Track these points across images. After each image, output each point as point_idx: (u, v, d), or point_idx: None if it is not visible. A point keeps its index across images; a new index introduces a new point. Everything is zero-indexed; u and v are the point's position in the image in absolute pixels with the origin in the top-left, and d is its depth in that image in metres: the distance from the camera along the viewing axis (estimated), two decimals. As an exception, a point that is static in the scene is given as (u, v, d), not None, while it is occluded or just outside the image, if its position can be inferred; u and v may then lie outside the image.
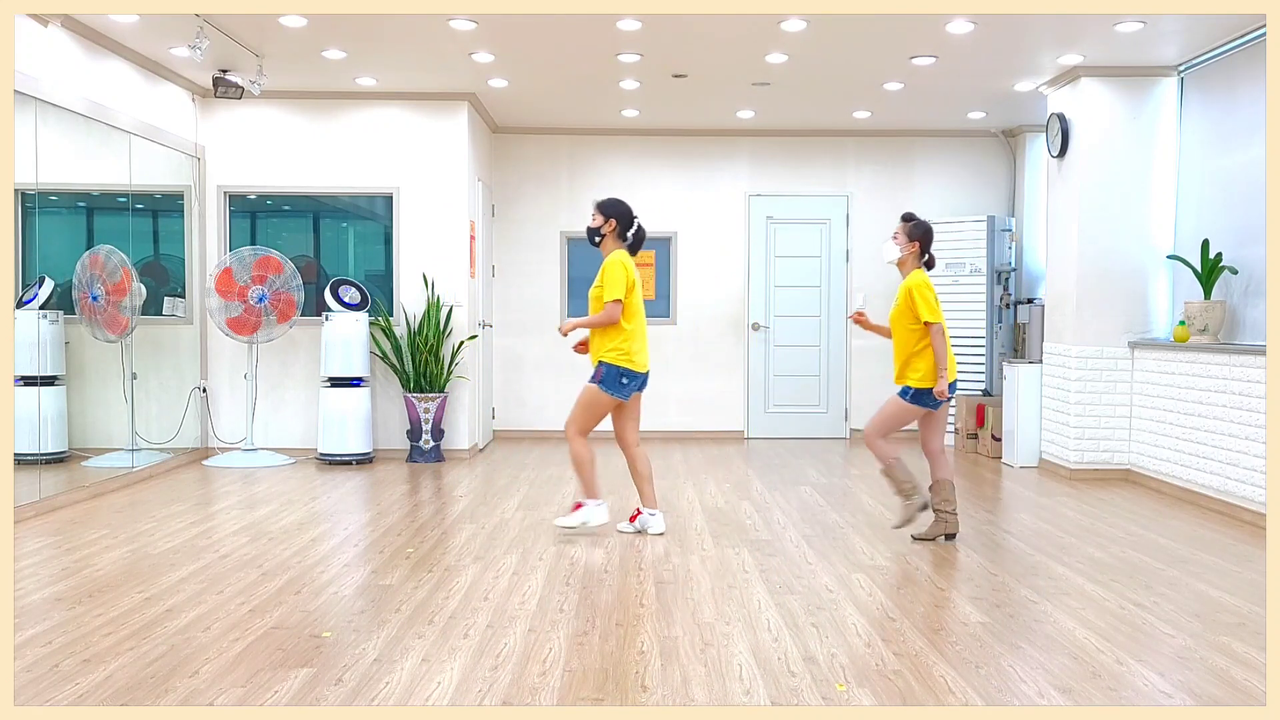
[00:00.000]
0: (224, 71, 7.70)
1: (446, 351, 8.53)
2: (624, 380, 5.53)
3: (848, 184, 10.11)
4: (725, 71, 7.69)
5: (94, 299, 7.21)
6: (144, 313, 7.65)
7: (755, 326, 10.13)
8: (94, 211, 7.87)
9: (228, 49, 7.11)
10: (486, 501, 6.70)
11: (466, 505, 6.57)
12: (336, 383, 8.19)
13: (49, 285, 7.00)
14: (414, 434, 8.41)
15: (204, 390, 8.54)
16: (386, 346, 8.53)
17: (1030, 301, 9.14)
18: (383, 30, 6.71)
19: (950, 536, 5.56)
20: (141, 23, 6.58)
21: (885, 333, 5.74)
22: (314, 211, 8.96)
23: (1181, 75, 7.47)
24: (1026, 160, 9.73)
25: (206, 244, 8.54)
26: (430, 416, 8.38)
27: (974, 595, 4.52)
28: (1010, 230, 9.56)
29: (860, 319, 5.70)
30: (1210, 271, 6.81)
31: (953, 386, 5.47)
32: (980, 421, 9.03)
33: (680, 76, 7.85)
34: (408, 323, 8.58)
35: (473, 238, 8.87)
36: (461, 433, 8.72)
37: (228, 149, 8.56)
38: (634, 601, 4.40)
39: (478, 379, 9.04)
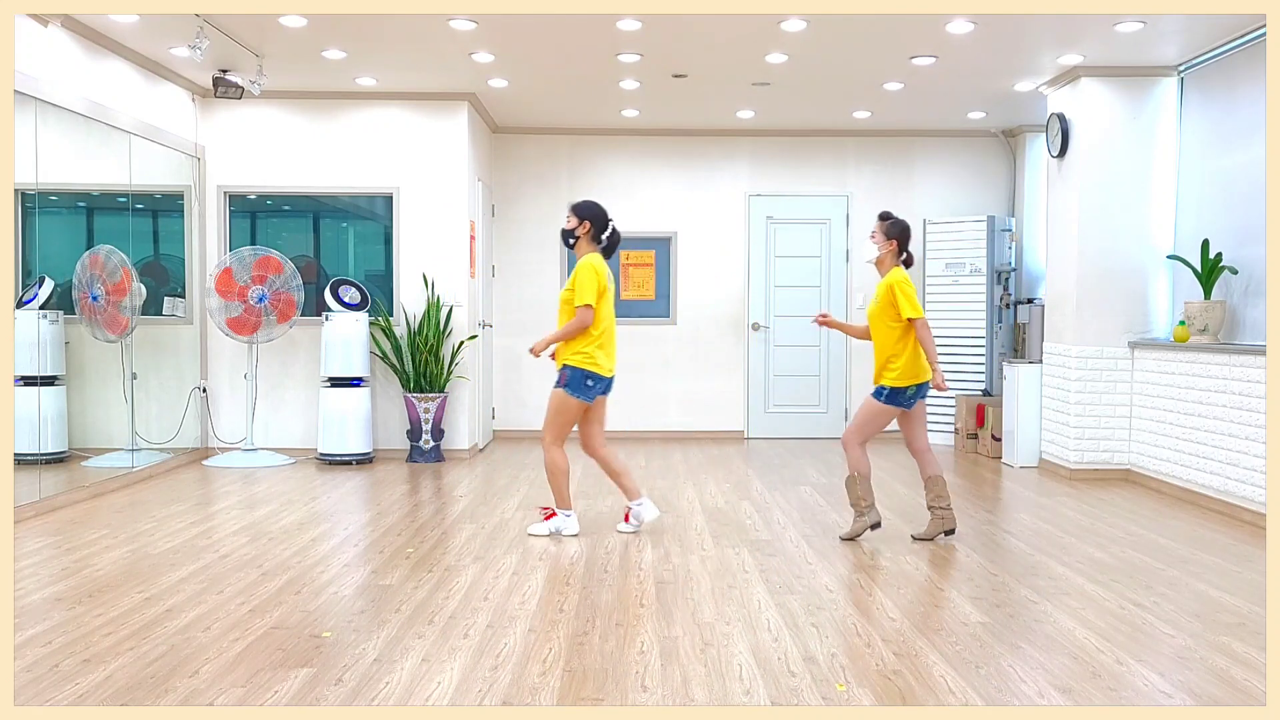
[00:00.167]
0: (224, 71, 7.71)
1: (446, 351, 8.53)
2: (589, 383, 5.52)
3: (848, 184, 10.11)
4: (725, 71, 7.69)
5: (94, 299, 7.21)
6: (144, 313, 7.65)
7: (755, 326, 10.13)
8: (94, 211, 7.87)
9: (228, 49, 7.11)
10: (486, 501, 6.70)
11: (466, 505, 6.57)
12: (336, 383, 8.19)
13: (49, 285, 7.00)
14: (414, 434, 8.41)
15: (204, 390, 8.54)
16: (386, 346, 8.53)
17: (1030, 301, 9.14)
18: (383, 30, 6.71)
19: (949, 532, 5.57)
20: (141, 23, 6.58)
21: (855, 332, 5.79)
22: (314, 211, 8.96)
23: (1181, 75, 7.47)
24: (1026, 160, 9.73)
25: (206, 244, 8.54)
26: (430, 416, 8.38)
27: (974, 595, 4.52)
28: (1010, 230, 9.56)
29: (826, 320, 5.73)
30: (1210, 271, 6.81)
31: (924, 388, 5.48)
32: (980, 421, 9.03)
33: (680, 76, 7.85)
34: (408, 323, 8.58)
35: (473, 238, 8.87)
36: (461, 433, 8.72)
37: (228, 149, 8.56)
38: (634, 601, 4.41)
39: (478, 379, 9.04)
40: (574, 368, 5.50)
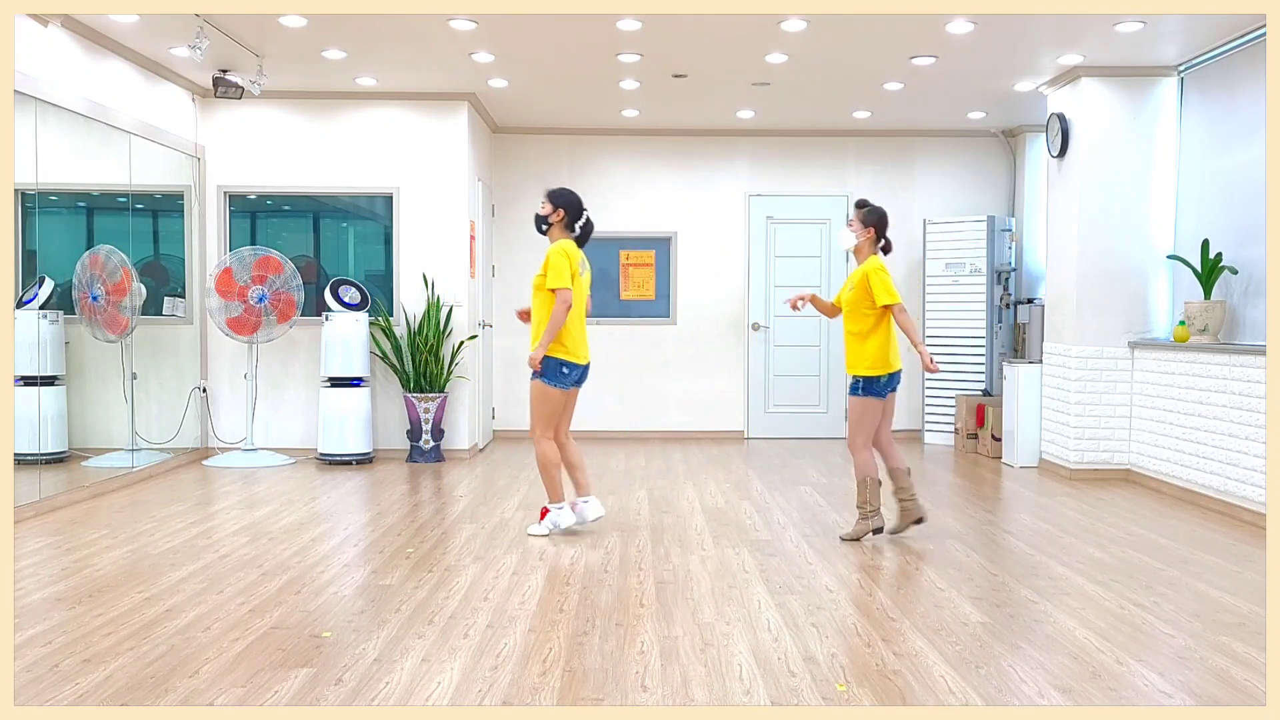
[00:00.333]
0: (224, 71, 7.70)
1: (446, 351, 8.53)
2: (564, 370, 5.54)
3: (848, 184, 10.11)
4: (725, 71, 7.69)
5: (94, 299, 7.21)
6: (144, 313, 7.65)
7: (755, 326, 10.13)
8: (94, 211, 7.87)
9: (228, 49, 7.11)
10: (486, 501, 6.70)
11: (466, 505, 6.57)
12: (336, 383, 8.19)
13: (49, 285, 7.00)
14: (414, 434, 8.41)
15: (204, 390, 8.54)
16: (386, 346, 8.53)
17: (1030, 301, 9.14)
18: (383, 30, 6.71)
19: (919, 521, 5.59)
20: (141, 23, 6.58)
21: (825, 308, 5.81)
22: (314, 211, 8.96)
23: (1181, 75, 7.47)
24: (1026, 160, 9.73)
25: (206, 244, 8.54)
26: (430, 416, 8.38)
27: (974, 595, 4.52)
28: (1010, 230, 9.55)
29: (814, 300, 5.76)
30: (1210, 271, 6.81)
31: (895, 377, 5.49)
32: (980, 421, 9.03)
33: (680, 76, 7.85)
34: (408, 323, 8.58)
35: (473, 238, 8.87)
36: (461, 433, 8.72)
37: (228, 149, 8.56)
38: (634, 601, 4.41)
39: (478, 379, 9.04)
40: (548, 356, 5.52)
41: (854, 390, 5.52)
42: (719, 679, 3.48)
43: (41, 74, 6.21)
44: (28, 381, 6.68)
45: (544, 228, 5.66)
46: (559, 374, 5.55)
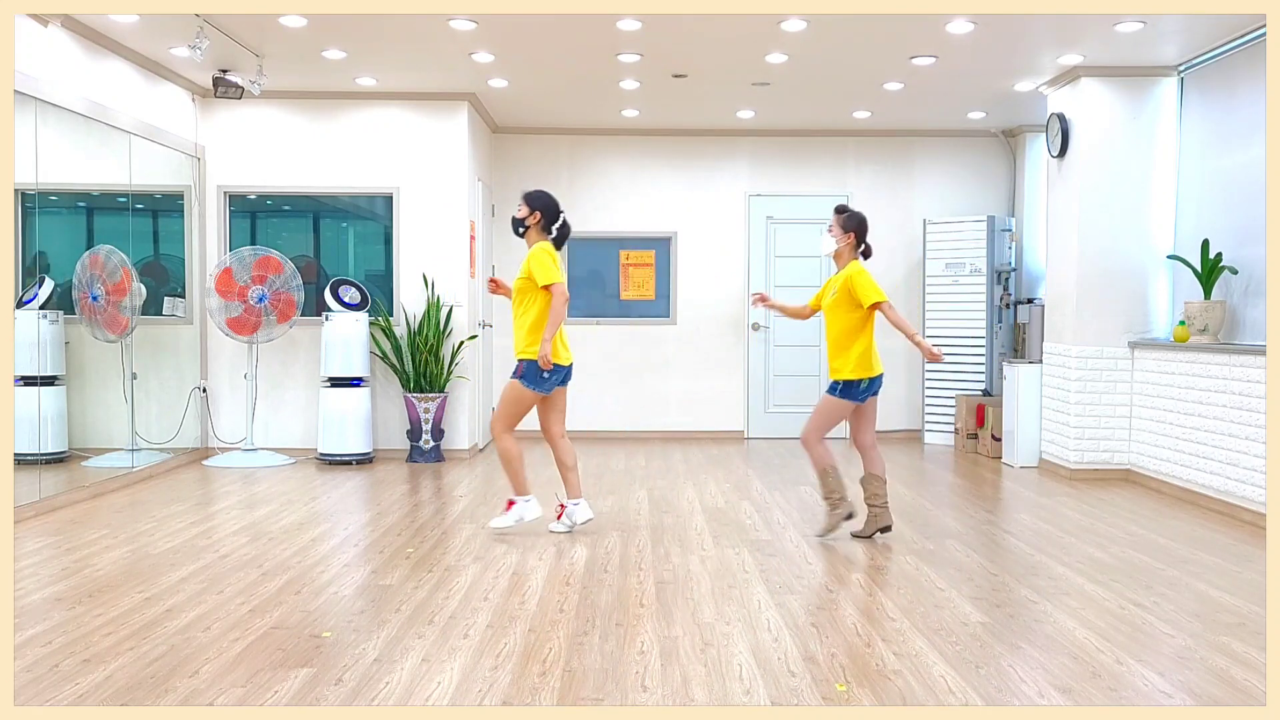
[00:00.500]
0: (224, 71, 7.70)
1: (446, 351, 8.53)
2: (545, 374, 5.53)
3: (848, 184, 10.10)
4: (725, 71, 7.69)
5: (94, 299, 7.21)
6: (144, 313, 7.65)
7: (755, 326, 10.13)
8: (94, 211, 7.87)
9: (228, 49, 7.11)
10: (486, 501, 6.70)
11: (466, 505, 6.57)
12: (336, 383, 8.19)
13: (49, 285, 7.00)
14: (414, 434, 8.41)
15: (204, 390, 8.54)
16: (386, 346, 8.53)
17: (1030, 301, 9.14)
18: (383, 30, 6.71)
19: (885, 529, 5.59)
20: (141, 23, 6.58)
21: (790, 311, 5.84)
22: (314, 211, 8.96)
23: (1181, 75, 7.47)
24: (1026, 160, 9.73)
25: (206, 244, 8.54)
26: (430, 416, 8.38)
27: (974, 595, 4.52)
28: (1010, 230, 9.55)
29: (764, 300, 5.78)
30: (1210, 271, 6.81)
31: (876, 382, 5.49)
32: (980, 421, 9.03)
33: (680, 76, 7.85)
34: (408, 323, 8.58)
35: (473, 238, 8.87)
36: (461, 433, 8.72)
37: (228, 149, 8.56)
38: (634, 601, 4.41)
39: (478, 379, 9.04)
40: (531, 360, 5.51)
41: (832, 390, 5.54)
42: (719, 679, 3.48)
43: (41, 74, 6.21)
44: (28, 381, 6.69)
45: (521, 231, 5.65)
46: (539, 378, 5.53)
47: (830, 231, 5.59)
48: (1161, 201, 7.57)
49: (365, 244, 9.03)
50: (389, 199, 8.67)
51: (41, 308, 6.85)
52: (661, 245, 10.13)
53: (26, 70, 6.04)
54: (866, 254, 5.59)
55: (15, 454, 6.33)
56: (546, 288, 5.45)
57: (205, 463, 8.17)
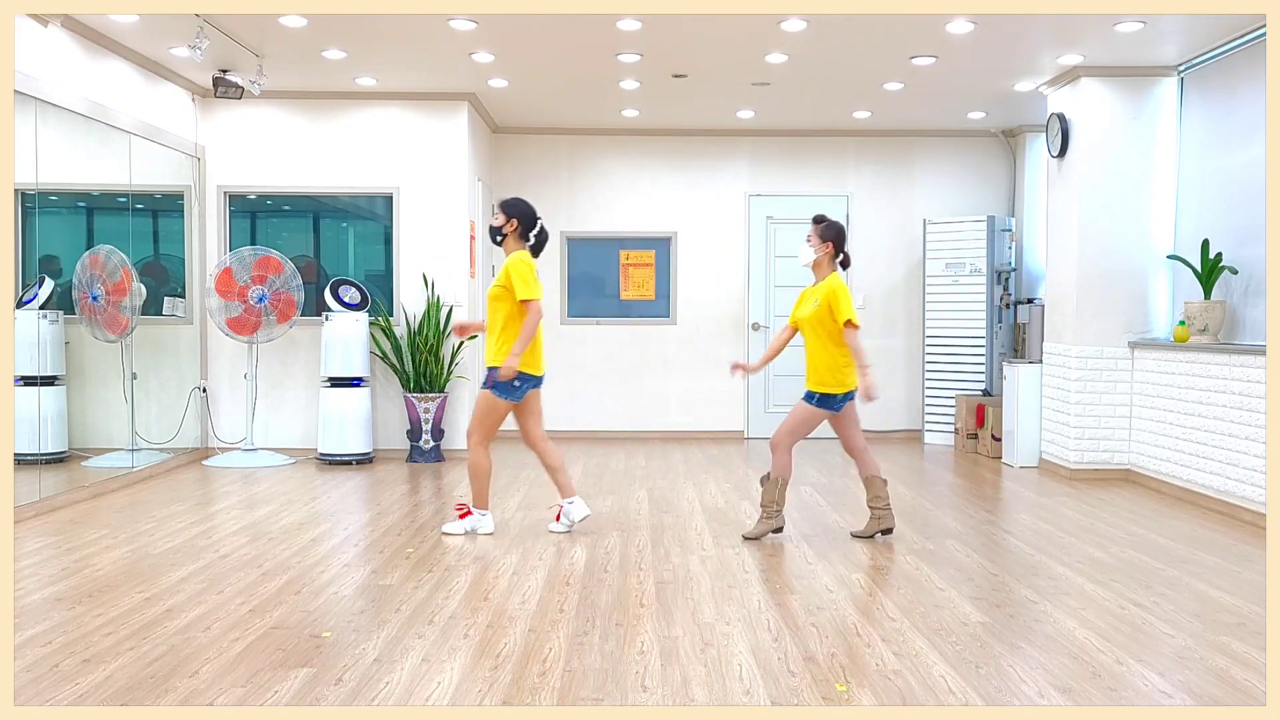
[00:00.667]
0: (224, 71, 7.70)
1: (446, 351, 8.54)
2: (516, 383, 5.50)
3: (848, 184, 10.11)
4: (725, 71, 7.69)
5: (94, 299, 7.21)
6: (144, 313, 7.65)
7: (755, 326, 10.13)
8: (94, 211, 7.87)
9: (228, 49, 7.11)
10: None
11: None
12: (336, 383, 8.19)
13: (49, 285, 7.00)
14: (414, 434, 8.41)
15: (204, 390, 8.54)
16: (386, 346, 8.53)
17: (1030, 301, 9.14)
18: (383, 30, 6.71)
19: (887, 531, 5.61)
20: (141, 23, 6.58)
21: (775, 350, 5.85)
22: (314, 211, 8.96)
23: (1181, 75, 7.47)
24: (1026, 160, 9.73)
25: (206, 244, 8.54)
26: (430, 416, 8.38)
27: (974, 595, 4.52)
28: (1010, 230, 9.55)
29: (743, 369, 5.82)
30: (1210, 271, 6.81)
31: (852, 394, 5.50)
32: (980, 421, 9.03)
33: (680, 76, 7.85)
34: (408, 323, 8.58)
35: (473, 238, 8.87)
36: (461, 433, 8.70)
37: (228, 149, 8.56)
38: (634, 601, 4.40)
39: (478, 379, 9.03)
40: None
41: (808, 399, 5.56)
42: (719, 679, 3.48)
43: (41, 74, 6.21)
44: (28, 381, 6.69)
45: (498, 239, 5.63)
46: (510, 387, 5.50)
47: (809, 241, 5.61)
48: (1161, 201, 7.57)
49: (365, 244, 9.03)
50: (389, 199, 8.67)
51: (41, 308, 6.86)
52: (661, 245, 10.13)
53: (26, 70, 6.04)
54: (846, 263, 5.61)
55: (15, 454, 6.33)
56: (524, 302, 5.42)
57: (205, 463, 8.17)
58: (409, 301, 8.64)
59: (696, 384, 10.12)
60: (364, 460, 8.28)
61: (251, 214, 8.82)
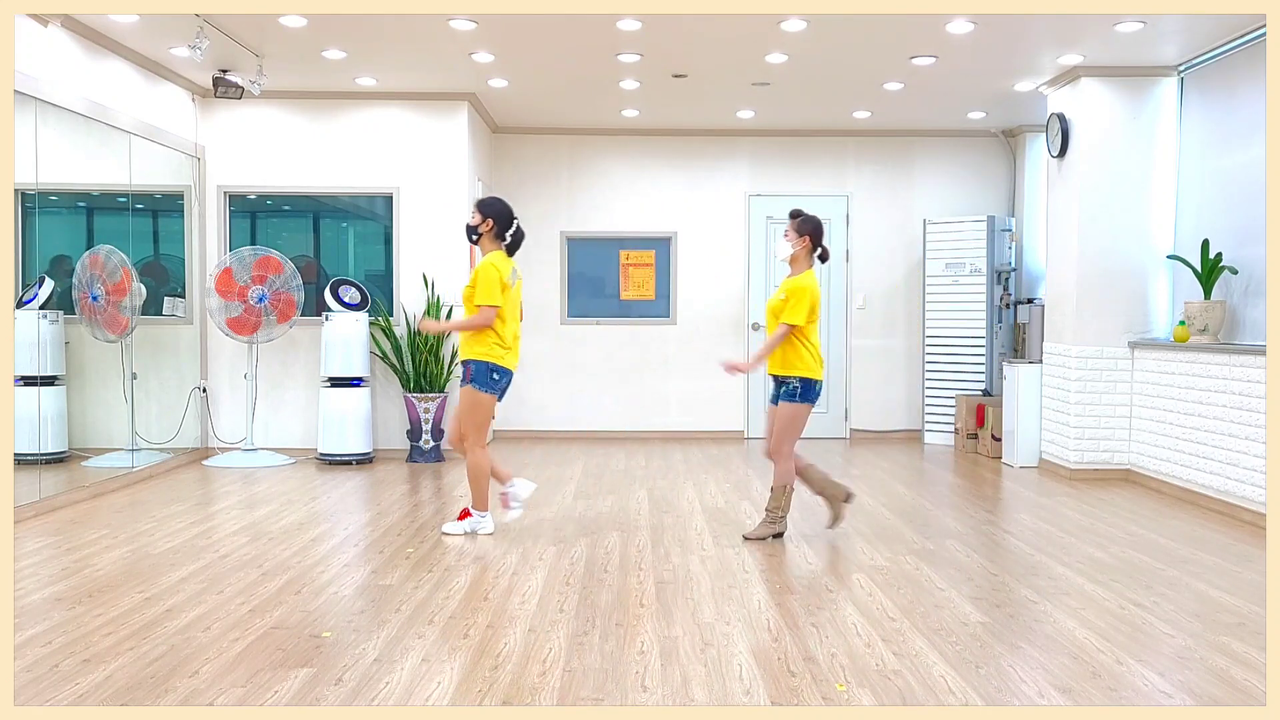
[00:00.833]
0: (224, 71, 7.71)
1: (446, 351, 8.53)
2: (495, 375, 5.50)
3: (848, 184, 10.11)
4: (725, 71, 7.69)
5: (94, 299, 7.21)
6: (144, 313, 7.65)
7: (755, 327, 10.13)
8: (94, 211, 7.87)
9: (228, 49, 7.11)
10: (486, 501, 6.69)
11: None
12: (336, 383, 8.19)
13: (49, 285, 7.00)
14: (414, 434, 8.41)
15: (204, 390, 8.54)
16: (386, 346, 8.53)
17: (1030, 301, 9.14)
18: (383, 30, 6.71)
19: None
20: (141, 23, 6.58)
21: (771, 345, 5.70)
22: (314, 211, 8.96)
23: (1181, 75, 7.47)
24: (1026, 160, 9.73)
25: (206, 244, 8.54)
26: (430, 416, 8.38)
27: (974, 595, 4.52)
28: (1010, 230, 9.55)
29: (736, 368, 5.74)
30: (1210, 271, 6.81)
31: (820, 384, 5.54)
32: (980, 421, 9.03)
33: (680, 76, 7.85)
34: (408, 323, 8.58)
35: (473, 238, 8.86)
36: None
37: (228, 149, 8.56)
38: (634, 601, 4.41)
39: (478, 379, 9.03)
40: (478, 361, 5.48)
41: (790, 395, 5.52)
42: (719, 679, 3.48)
43: (41, 74, 6.21)
44: (28, 381, 6.69)
45: (474, 238, 5.63)
46: (489, 379, 5.50)
47: (786, 236, 5.60)
48: (1161, 201, 7.57)
49: (365, 244, 9.03)
50: (389, 199, 8.67)
51: (41, 308, 6.86)
52: (661, 245, 10.13)
53: (26, 70, 6.04)
54: (824, 257, 5.60)
55: (15, 454, 6.33)
56: (480, 306, 5.41)
57: (205, 463, 8.17)
58: (409, 301, 8.64)
59: (696, 384, 10.12)
60: (364, 460, 8.28)
61: (251, 214, 8.82)
